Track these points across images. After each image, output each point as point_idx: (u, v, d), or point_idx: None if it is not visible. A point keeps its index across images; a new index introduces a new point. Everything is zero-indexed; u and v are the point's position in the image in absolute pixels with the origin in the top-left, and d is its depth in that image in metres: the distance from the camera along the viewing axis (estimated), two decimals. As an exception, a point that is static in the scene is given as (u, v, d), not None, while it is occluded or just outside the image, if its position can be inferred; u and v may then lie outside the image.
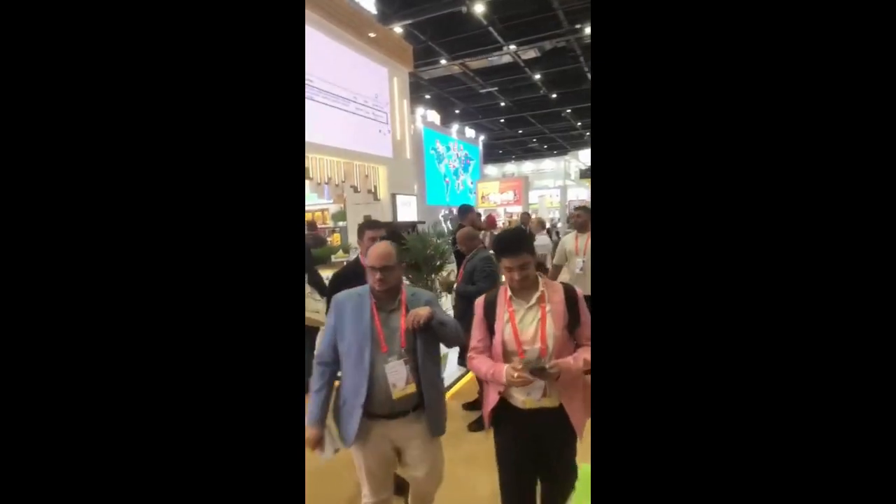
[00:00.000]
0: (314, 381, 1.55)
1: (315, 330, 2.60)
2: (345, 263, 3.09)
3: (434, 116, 13.98)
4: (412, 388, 1.51)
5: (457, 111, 15.92)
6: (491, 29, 9.38)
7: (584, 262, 3.35)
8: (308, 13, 5.71)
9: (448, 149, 14.58)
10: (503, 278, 1.55)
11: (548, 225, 7.23)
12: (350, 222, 7.30)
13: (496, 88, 13.59)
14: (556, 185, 17.70)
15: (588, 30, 9.12)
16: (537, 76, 12.49)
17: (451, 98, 14.42)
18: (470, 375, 3.54)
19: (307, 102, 5.97)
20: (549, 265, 4.01)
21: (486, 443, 1.73)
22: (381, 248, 1.53)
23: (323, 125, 6.55)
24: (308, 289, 2.99)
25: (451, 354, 3.23)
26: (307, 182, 6.22)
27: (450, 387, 3.49)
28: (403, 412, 1.53)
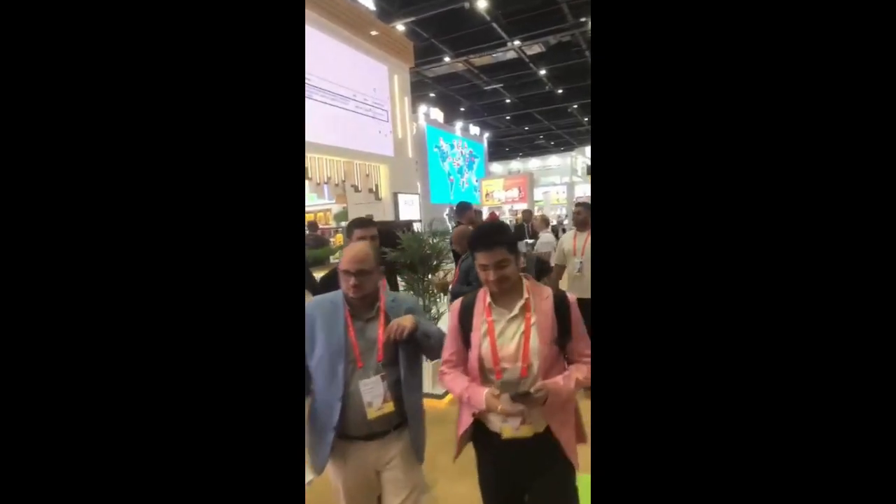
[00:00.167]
0: None
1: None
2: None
3: (437, 114, 13.89)
4: (389, 408, 1.36)
5: (461, 109, 15.80)
6: (494, 25, 9.28)
7: (581, 262, 3.20)
8: (307, 12, 5.64)
9: (452, 147, 14.49)
10: None
11: (553, 222, 7.11)
12: (351, 222, 7.24)
13: (501, 85, 13.46)
14: (563, 181, 17.51)
15: (593, 23, 8.98)
16: (542, 72, 12.34)
17: (455, 96, 14.31)
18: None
19: (305, 101, 5.91)
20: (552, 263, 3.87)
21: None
22: (356, 250, 1.37)
23: (322, 124, 6.48)
24: None
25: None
26: (306, 182, 6.17)
27: (447, 392, 3.39)
28: (382, 433, 1.38)
